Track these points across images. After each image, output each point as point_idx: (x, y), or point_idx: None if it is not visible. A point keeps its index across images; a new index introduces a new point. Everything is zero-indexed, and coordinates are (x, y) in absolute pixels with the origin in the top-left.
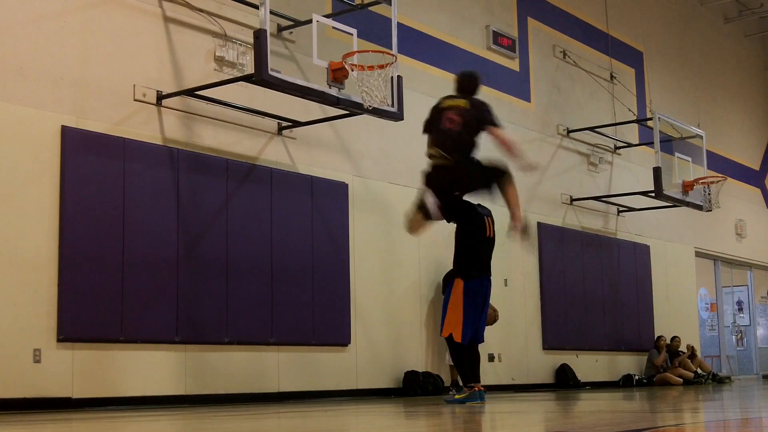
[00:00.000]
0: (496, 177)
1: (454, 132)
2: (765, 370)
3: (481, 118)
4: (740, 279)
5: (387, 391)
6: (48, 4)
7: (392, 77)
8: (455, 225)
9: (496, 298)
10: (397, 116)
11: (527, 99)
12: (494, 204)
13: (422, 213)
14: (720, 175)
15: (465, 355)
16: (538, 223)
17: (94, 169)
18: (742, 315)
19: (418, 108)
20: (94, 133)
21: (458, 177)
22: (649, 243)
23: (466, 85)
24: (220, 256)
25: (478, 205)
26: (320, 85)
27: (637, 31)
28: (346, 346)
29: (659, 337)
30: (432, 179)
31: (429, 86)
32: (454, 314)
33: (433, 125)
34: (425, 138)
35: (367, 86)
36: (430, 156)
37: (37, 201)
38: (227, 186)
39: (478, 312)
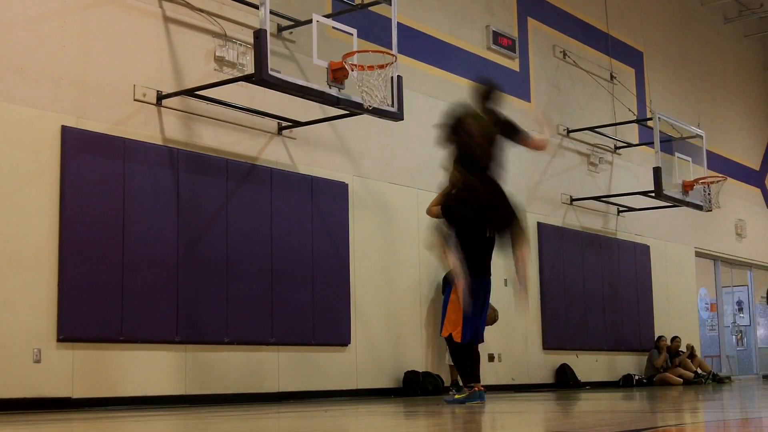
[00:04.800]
0: (513, 219)
1: (482, 149)
2: (765, 370)
3: (510, 130)
4: (740, 279)
5: (387, 391)
6: (48, 4)
7: (392, 77)
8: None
9: (496, 298)
10: (397, 116)
11: (527, 99)
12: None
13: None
14: (720, 175)
15: (465, 355)
16: (538, 223)
17: (94, 169)
18: (742, 315)
19: (418, 108)
20: (94, 133)
21: (485, 201)
22: (649, 243)
23: (486, 94)
24: (220, 256)
25: None
26: (320, 85)
27: (637, 31)
28: (346, 346)
29: (660, 338)
30: (456, 210)
31: (429, 86)
32: (454, 314)
33: (454, 140)
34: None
35: (367, 86)
36: (455, 179)
37: (37, 201)
38: (227, 186)
39: (478, 312)
